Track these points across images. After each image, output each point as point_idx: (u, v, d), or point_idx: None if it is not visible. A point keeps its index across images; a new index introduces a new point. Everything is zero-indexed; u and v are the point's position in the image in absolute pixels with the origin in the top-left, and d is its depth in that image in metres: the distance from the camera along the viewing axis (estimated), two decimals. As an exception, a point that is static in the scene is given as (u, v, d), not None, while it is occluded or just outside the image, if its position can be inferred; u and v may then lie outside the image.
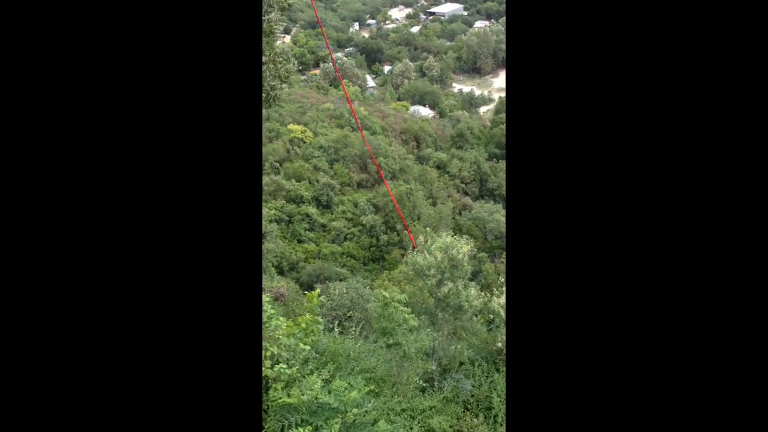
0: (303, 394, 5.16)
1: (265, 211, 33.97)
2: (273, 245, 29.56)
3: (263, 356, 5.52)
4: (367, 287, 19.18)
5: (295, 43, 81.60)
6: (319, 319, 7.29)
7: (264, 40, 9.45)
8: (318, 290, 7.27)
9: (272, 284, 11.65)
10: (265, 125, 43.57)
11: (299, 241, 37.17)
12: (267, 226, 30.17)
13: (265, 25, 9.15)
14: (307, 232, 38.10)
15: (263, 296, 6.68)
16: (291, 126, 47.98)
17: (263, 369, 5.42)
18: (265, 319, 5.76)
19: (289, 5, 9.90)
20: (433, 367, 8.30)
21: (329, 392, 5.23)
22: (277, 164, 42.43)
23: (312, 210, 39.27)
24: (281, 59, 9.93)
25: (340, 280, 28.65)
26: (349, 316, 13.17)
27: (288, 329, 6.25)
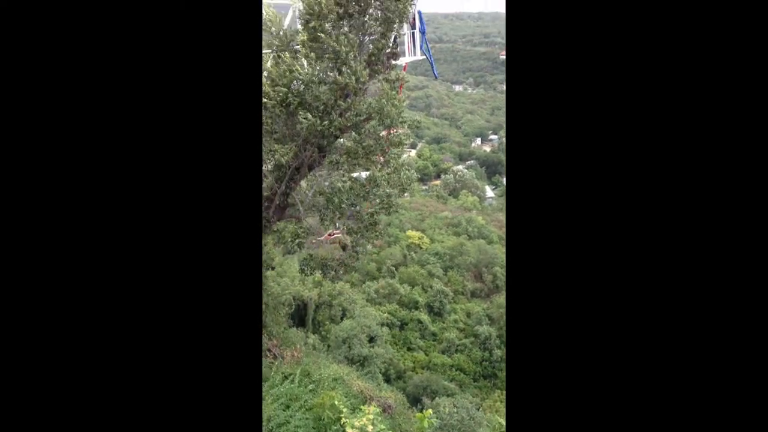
0: None
1: (378, 313, 34.18)
2: (382, 350, 29.15)
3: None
4: (479, 408, 17.63)
5: (419, 157, 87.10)
6: (429, 442, 6.71)
7: (392, 150, 10.21)
8: (430, 411, 6.79)
9: (379, 393, 11.22)
10: (387, 229, 45.51)
11: (409, 349, 36.26)
12: (379, 330, 30.09)
13: (392, 137, 9.93)
14: (417, 339, 37.19)
15: (372, 407, 6.40)
16: (409, 232, 49.54)
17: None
18: (375, 435, 5.43)
19: (418, 123, 10.69)
20: None
21: None
22: (393, 268, 43.34)
23: (424, 317, 38.60)
24: (405, 168, 10.55)
25: (448, 396, 26.85)
26: (459, 441, 12.03)
27: (396, 449, 5.81)
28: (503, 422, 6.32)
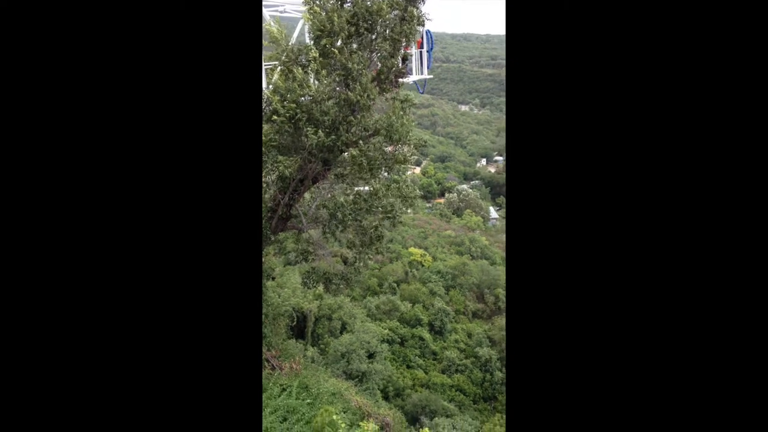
0: None
1: (378, 329, 33.92)
2: (381, 367, 28.85)
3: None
4: (478, 431, 17.36)
5: (424, 174, 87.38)
6: (426, 460, 6.64)
7: (396, 166, 10.28)
8: (428, 430, 6.72)
9: (378, 410, 11.10)
10: (388, 246, 45.44)
11: (408, 367, 35.88)
12: (379, 346, 29.84)
13: (397, 154, 10.01)
14: (417, 357, 36.83)
15: (370, 424, 6.34)
16: (412, 249, 49.44)
17: None
18: (371, 451, 5.38)
19: (424, 143, 10.79)
20: None
21: None
22: (395, 285, 43.15)
23: (425, 334, 38.29)
24: (405, 185, 10.63)
25: (447, 416, 26.46)
26: (456, 462, 11.85)
27: (392, 467, 5.74)
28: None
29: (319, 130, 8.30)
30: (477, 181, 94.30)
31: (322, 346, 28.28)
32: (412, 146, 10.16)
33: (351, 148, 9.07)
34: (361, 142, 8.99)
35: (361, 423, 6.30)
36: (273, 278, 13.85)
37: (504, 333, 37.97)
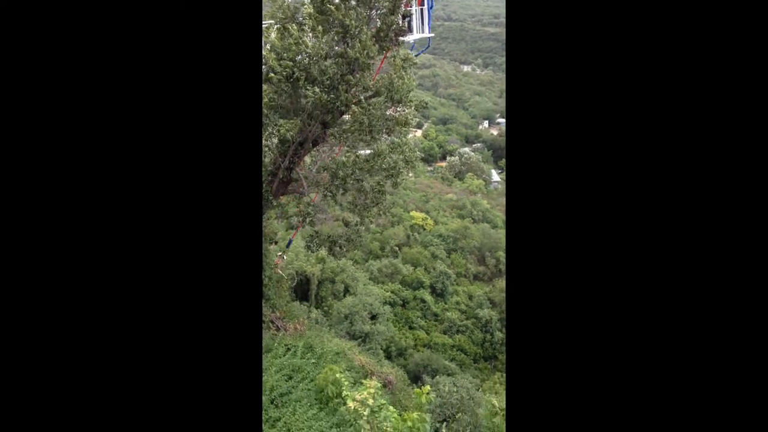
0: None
1: (381, 292, 34.41)
2: (384, 328, 29.43)
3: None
4: (478, 389, 17.86)
5: (425, 137, 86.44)
6: (427, 417, 6.81)
7: (398, 128, 10.13)
8: (428, 387, 6.85)
9: (381, 369, 11.36)
10: (390, 207, 45.46)
11: (410, 327, 36.59)
12: (381, 308, 30.33)
13: (398, 116, 9.85)
14: (419, 319, 37.49)
15: (373, 381, 6.47)
16: (413, 213, 49.51)
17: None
18: (375, 408, 5.51)
19: (426, 104, 10.58)
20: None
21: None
22: (397, 248, 43.46)
23: (427, 297, 38.85)
24: (408, 147, 10.51)
25: (449, 375, 27.14)
26: (457, 418, 12.23)
27: (395, 422, 5.90)
28: (496, 403, 6.36)
29: (316, 88, 8.11)
30: (479, 144, 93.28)
31: (325, 308, 28.77)
32: (413, 108, 9.97)
33: (353, 106, 8.90)
34: (363, 98, 8.82)
35: (364, 381, 6.44)
36: (275, 242, 13.92)
37: (504, 294, 38.36)
